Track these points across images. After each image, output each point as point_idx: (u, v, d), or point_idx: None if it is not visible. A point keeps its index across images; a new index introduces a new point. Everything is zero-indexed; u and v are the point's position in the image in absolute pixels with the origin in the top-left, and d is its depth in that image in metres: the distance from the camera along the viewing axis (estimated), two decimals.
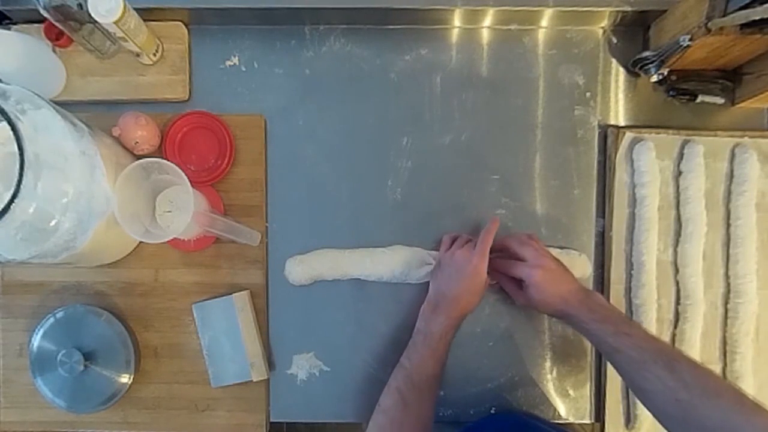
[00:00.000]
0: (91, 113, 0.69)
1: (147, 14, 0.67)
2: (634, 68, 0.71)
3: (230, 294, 0.69)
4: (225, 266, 0.71)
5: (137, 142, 0.66)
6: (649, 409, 0.54)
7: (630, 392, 0.71)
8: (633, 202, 0.71)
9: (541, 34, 0.73)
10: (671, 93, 0.70)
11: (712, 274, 0.71)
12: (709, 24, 0.57)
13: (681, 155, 0.71)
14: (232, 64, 0.73)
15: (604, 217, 0.73)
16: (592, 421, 0.73)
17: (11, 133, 0.45)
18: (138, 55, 0.68)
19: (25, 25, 0.70)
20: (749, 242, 0.70)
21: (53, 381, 0.67)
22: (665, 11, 0.67)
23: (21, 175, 0.45)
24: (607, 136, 0.72)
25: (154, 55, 0.70)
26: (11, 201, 0.45)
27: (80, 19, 0.62)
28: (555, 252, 0.70)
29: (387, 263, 0.70)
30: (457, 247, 0.66)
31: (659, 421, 0.52)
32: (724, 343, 0.71)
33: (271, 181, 0.73)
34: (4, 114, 0.45)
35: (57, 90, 0.70)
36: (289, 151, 0.73)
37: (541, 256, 0.63)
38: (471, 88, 0.73)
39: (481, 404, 0.72)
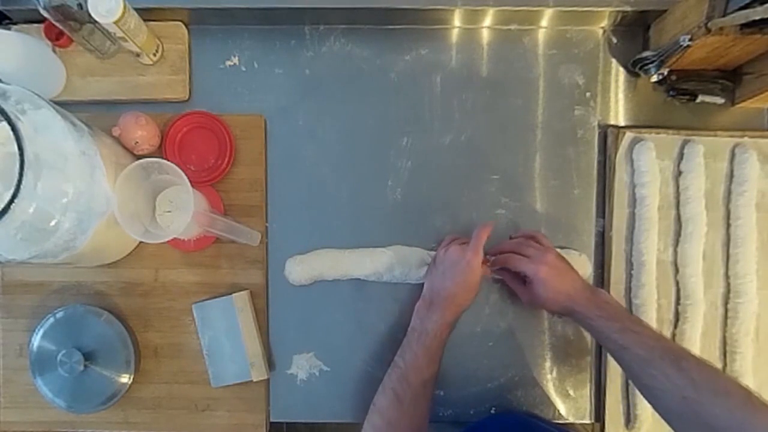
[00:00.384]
0: (91, 113, 0.69)
1: (147, 14, 0.67)
2: (634, 68, 0.71)
3: (230, 294, 0.69)
4: (225, 266, 0.71)
5: (137, 142, 0.66)
6: (655, 408, 0.53)
7: (630, 392, 0.71)
8: (633, 202, 0.71)
9: (541, 34, 0.73)
10: (671, 93, 0.71)
11: (712, 274, 0.71)
12: (709, 24, 0.57)
13: (681, 155, 0.71)
14: (232, 64, 0.73)
15: (604, 217, 0.73)
16: (592, 421, 0.73)
17: (11, 133, 0.45)
18: (138, 55, 0.68)
19: (25, 25, 0.70)
20: (749, 242, 0.70)
21: (53, 381, 0.67)
22: (665, 11, 0.67)
23: (21, 175, 0.45)
24: (607, 136, 0.72)
25: (154, 55, 0.70)
26: (11, 201, 0.45)
27: (80, 19, 0.62)
28: None
29: (387, 263, 0.70)
30: (453, 245, 0.66)
31: (665, 419, 0.52)
32: (724, 343, 0.71)
33: (271, 181, 0.73)
34: (4, 114, 0.45)
35: (57, 90, 0.70)
36: (289, 151, 0.73)
37: (545, 253, 0.63)
38: (471, 88, 0.73)
39: (481, 404, 0.72)
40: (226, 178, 0.71)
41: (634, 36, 0.73)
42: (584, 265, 0.72)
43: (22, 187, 0.45)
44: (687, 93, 0.70)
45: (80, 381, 0.66)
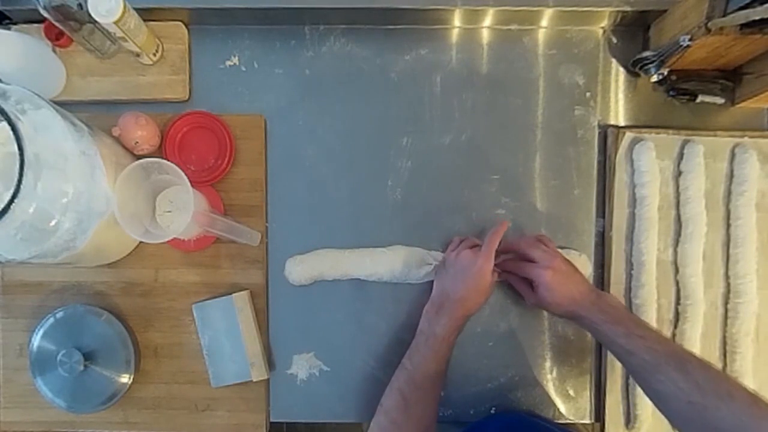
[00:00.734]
0: (91, 113, 0.69)
1: (147, 14, 0.67)
2: (634, 68, 0.71)
3: (230, 294, 0.69)
4: (225, 266, 0.71)
5: (137, 142, 0.66)
6: (662, 412, 0.54)
7: (630, 392, 0.71)
8: (633, 202, 0.71)
9: (541, 34, 0.73)
10: (671, 93, 0.70)
11: (712, 274, 0.71)
12: (709, 24, 0.57)
13: (681, 155, 0.71)
14: (232, 64, 0.73)
15: (604, 217, 0.73)
16: (592, 421, 0.73)
17: (11, 133, 0.45)
18: (138, 55, 0.68)
19: (25, 25, 0.70)
20: (749, 242, 0.70)
21: (53, 381, 0.67)
22: (665, 11, 0.67)
23: (21, 175, 0.45)
24: (607, 136, 0.72)
25: (154, 55, 0.70)
26: (11, 201, 0.45)
27: (80, 19, 0.62)
28: None
29: (387, 263, 0.70)
30: (464, 247, 0.66)
31: (672, 423, 0.52)
32: (724, 343, 0.71)
33: (271, 181, 0.73)
34: (4, 114, 0.45)
35: (57, 90, 0.70)
36: (289, 151, 0.73)
37: (552, 257, 0.63)
38: (471, 88, 0.73)
39: (482, 404, 0.72)
40: (226, 178, 0.71)
41: (634, 36, 0.73)
42: (584, 265, 0.72)
43: (22, 187, 0.45)
44: (687, 93, 0.70)
45: (80, 381, 0.66)
